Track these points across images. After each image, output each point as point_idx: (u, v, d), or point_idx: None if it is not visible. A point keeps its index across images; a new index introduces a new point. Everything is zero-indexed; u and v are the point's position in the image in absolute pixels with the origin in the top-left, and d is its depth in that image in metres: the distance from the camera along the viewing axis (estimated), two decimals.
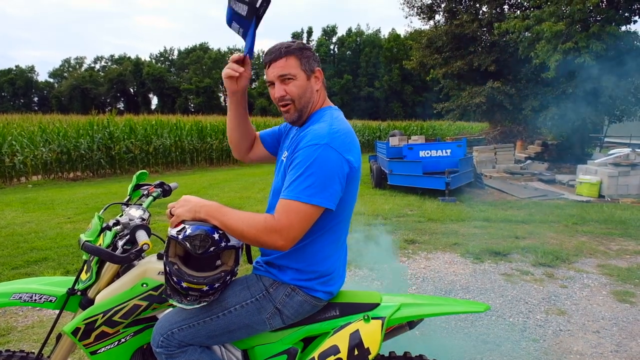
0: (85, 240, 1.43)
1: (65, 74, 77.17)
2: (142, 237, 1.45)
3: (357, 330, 1.53)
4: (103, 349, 1.56)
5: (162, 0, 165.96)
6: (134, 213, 1.68)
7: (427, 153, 9.91)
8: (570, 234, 6.05)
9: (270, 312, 1.52)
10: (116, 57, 79.38)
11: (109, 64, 78.86)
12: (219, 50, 75.58)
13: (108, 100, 71.78)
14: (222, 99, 68.18)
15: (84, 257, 1.69)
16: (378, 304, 1.61)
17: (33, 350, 1.74)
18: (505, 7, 15.84)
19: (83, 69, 78.32)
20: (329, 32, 71.31)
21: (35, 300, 1.69)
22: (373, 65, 66.28)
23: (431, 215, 7.24)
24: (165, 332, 1.48)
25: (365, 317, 1.56)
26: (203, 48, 76.16)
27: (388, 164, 10.06)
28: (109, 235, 1.58)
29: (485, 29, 15.32)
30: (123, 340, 1.59)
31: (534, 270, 4.59)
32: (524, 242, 5.63)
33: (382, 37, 70.49)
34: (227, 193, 9.68)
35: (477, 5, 15.98)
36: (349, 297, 1.66)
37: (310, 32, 70.41)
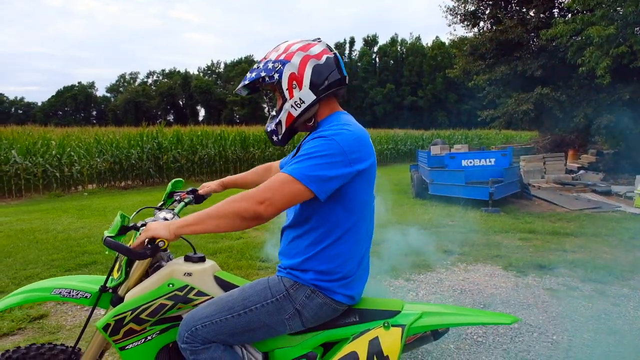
0: (107, 236, 1.50)
1: (121, 89, 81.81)
2: (158, 233, 1.49)
3: (377, 338, 1.51)
4: (131, 345, 1.62)
5: (209, 18, 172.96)
6: (162, 216, 1.76)
7: (470, 162, 9.63)
8: (626, 248, 5.66)
9: (290, 313, 1.52)
10: (167, 71, 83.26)
11: (160, 78, 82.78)
12: None
13: (159, 113, 75.22)
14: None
15: (113, 256, 1.77)
16: (399, 312, 1.58)
17: (72, 345, 1.84)
18: (555, 10, 15.22)
19: (136, 83, 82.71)
20: (370, 41, 71.33)
21: (73, 295, 1.79)
22: (417, 74, 65.56)
23: (473, 226, 7.01)
24: (190, 328, 1.52)
25: (385, 325, 1.53)
26: (248, 61, 78.34)
27: (429, 173, 9.87)
28: (136, 235, 1.66)
29: (533, 33, 14.77)
30: (149, 337, 1.64)
31: (582, 286, 4.32)
32: (573, 256, 5.32)
33: (425, 45, 69.66)
34: None
35: (524, 10, 15.45)
36: (370, 304, 1.64)
37: (352, 43, 70.77)
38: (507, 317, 1.56)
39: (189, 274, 1.66)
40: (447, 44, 50.99)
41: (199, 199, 2.23)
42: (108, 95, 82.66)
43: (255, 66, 1.64)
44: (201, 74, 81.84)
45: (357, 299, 1.63)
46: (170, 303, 1.62)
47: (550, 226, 6.94)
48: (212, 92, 74.49)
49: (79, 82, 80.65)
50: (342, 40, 71.81)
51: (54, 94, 77.00)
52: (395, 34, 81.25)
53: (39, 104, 76.78)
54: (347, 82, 1.63)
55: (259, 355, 1.63)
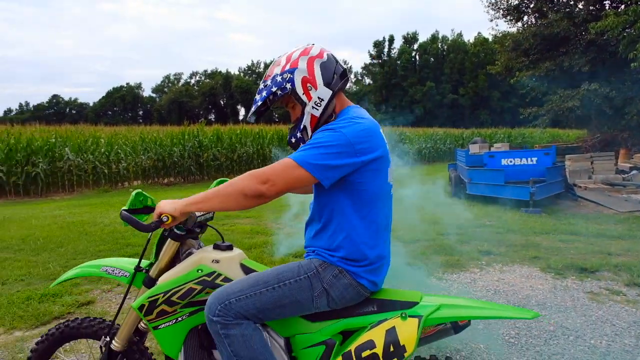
0: (123, 209, 1.63)
1: (165, 89, 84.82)
2: (164, 208, 1.56)
3: (394, 327, 1.54)
4: (163, 325, 1.73)
5: (252, 18, 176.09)
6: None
7: (510, 161, 9.35)
8: None
9: (318, 290, 1.59)
10: (209, 72, 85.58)
11: (203, 78, 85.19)
12: None
13: (201, 112, 77.46)
14: None
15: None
16: (417, 303, 1.60)
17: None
18: (606, 2, 14.46)
19: (180, 84, 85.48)
20: (410, 39, 70.26)
21: (115, 274, 1.96)
22: (458, 72, 64.01)
23: (511, 226, 6.82)
24: (223, 301, 1.57)
25: (403, 315, 1.56)
26: None
27: (467, 172, 9.66)
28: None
29: (581, 27, 14.10)
30: (180, 319, 1.74)
31: (626, 291, 4.13)
32: (618, 259, 5.08)
33: (467, 41, 67.85)
34: (301, 196, 9.95)
35: (572, 2, 14.78)
36: (389, 294, 1.67)
37: (391, 41, 69.97)
38: (527, 312, 1.55)
39: (217, 261, 1.76)
40: (490, 40, 49.55)
41: None
42: (153, 95, 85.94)
43: (261, 86, 1.68)
44: (241, 74, 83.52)
45: (379, 286, 1.67)
46: (198, 287, 1.71)
47: (595, 228, 6.64)
48: (252, 91, 75.80)
49: (127, 83, 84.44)
50: (380, 39, 71.25)
51: (104, 94, 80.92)
52: (436, 31, 79.49)
53: (91, 104, 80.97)
54: (347, 73, 1.71)
55: (281, 340, 1.70)
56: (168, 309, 1.72)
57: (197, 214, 1.81)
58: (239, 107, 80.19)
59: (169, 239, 1.81)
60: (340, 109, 1.69)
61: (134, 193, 1.80)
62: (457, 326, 1.65)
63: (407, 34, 70.43)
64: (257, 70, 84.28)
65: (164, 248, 1.83)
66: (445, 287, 4.25)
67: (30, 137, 13.51)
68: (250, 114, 1.73)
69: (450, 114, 58.93)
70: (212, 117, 76.77)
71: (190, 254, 1.84)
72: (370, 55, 69.02)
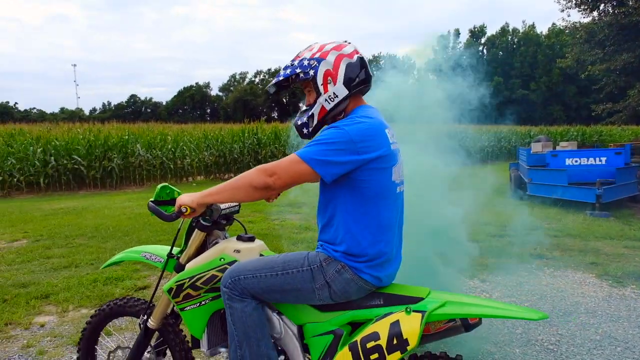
0: (150, 200, 1.82)
1: (231, 88, 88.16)
2: (184, 200, 1.71)
3: (398, 321, 1.57)
4: (188, 308, 1.90)
5: (314, 17, 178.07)
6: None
7: (575, 161, 8.76)
8: None
9: (320, 283, 1.66)
10: (272, 70, 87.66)
11: (267, 77, 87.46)
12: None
13: (264, 110, 79.62)
14: None
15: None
16: (422, 299, 1.62)
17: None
18: None
19: (245, 82, 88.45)
20: (477, 32, 67.37)
21: (152, 259, 2.17)
22: (529, 66, 60.41)
23: (571, 230, 6.43)
24: (235, 275, 1.72)
25: (407, 310, 1.59)
26: None
27: (528, 172, 9.20)
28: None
29: None
30: (203, 302, 1.90)
31: None
32: None
33: (540, 33, 63.82)
34: None
35: None
36: (396, 289, 1.72)
37: (457, 34, 67.51)
38: (535, 312, 1.52)
39: (238, 251, 1.90)
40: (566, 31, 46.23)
41: None
42: (220, 94, 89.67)
43: (288, 64, 1.78)
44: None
45: (384, 281, 1.71)
46: (220, 275, 1.85)
47: None
48: None
49: (196, 83, 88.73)
50: (445, 32, 69.00)
51: (175, 93, 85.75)
52: (506, 23, 75.54)
53: (164, 103, 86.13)
54: (371, 81, 1.77)
55: (294, 328, 1.80)
56: (193, 293, 1.89)
57: (222, 206, 1.96)
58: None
59: (196, 230, 1.98)
60: (352, 109, 1.76)
61: (159, 186, 1.99)
62: (467, 324, 1.62)
63: (474, 27, 67.65)
64: None
65: (192, 237, 2.01)
66: (486, 289, 4.14)
67: (107, 134, 14.75)
68: (270, 84, 1.84)
69: (519, 110, 55.80)
70: (274, 114, 78.68)
71: (216, 244, 2.00)
72: (435, 50, 67.12)
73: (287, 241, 6.09)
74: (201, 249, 2.02)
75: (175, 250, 2.10)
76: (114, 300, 2.28)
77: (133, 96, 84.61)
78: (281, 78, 1.78)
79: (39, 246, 6.10)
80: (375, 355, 1.58)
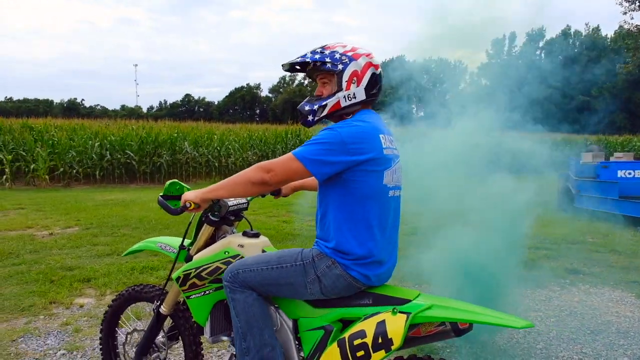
0: (159, 195, 1.97)
1: (281, 90, 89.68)
2: (188, 196, 1.81)
3: (384, 321, 1.62)
4: (194, 296, 2.03)
5: (366, 20, 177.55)
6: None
7: (628, 173, 8.23)
8: None
9: (311, 277, 1.75)
10: None
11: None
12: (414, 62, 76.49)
13: None
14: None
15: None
16: (409, 301, 1.66)
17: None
18: None
19: (294, 84, 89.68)
20: (535, 35, 64.50)
21: (167, 249, 2.33)
22: (591, 70, 57.12)
23: (617, 246, 6.07)
24: (234, 270, 1.84)
25: (394, 310, 1.63)
26: (399, 60, 78.22)
27: (576, 183, 8.76)
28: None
29: None
30: (207, 292, 2.03)
31: None
32: None
33: (605, 36, 60.14)
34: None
35: None
36: (386, 290, 1.76)
37: (512, 38, 65.02)
38: (520, 320, 1.51)
39: (242, 245, 2.01)
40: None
41: (277, 193, 2.49)
42: (270, 95, 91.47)
43: (318, 50, 1.83)
44: None
45: (374, 280, 1.75)
46: (224, 267, 1.96)
47: None
48: None
49: (247, 84, 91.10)
50: (500, 37, 66.54)
51: (227, 94, 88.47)
52: (567, 26, 71.84)
53: (216, 102, 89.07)
54: (379, 94, 1.87)
55: (290, 322, 1.89)
56: (198, 283, 2.01)
57: (230, 203, 2.07)
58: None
59: (205, 224, 2.11)
60: (357, 112, 1.83)
61: (169, 182, 2.14)
62: (457, 329, 1.63)
63: (532, 30, 64.82)
64: None
65: (201, 231, 2.14)
66: (510, 302, 4.01)
67: (158, 131, 15.52)
68: (290, 61, 1.87)
69: (578, 118, 52.84)
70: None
71: (223, 238, 2.12)
72: (488, 54, 65.07)
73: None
74: (210, 242, 2.14)
75: (187, 242, 2.23)
76: (132, 286, 2.46)
77: (187, 95, 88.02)
78: (307, 59, 1.81)
79: (87, 234, 6.57)
80: (362, 353, 1.62)
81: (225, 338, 2.10)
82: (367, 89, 1.78)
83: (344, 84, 1.76)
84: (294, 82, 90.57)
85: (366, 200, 1.70)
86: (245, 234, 2.09)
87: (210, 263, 2.00)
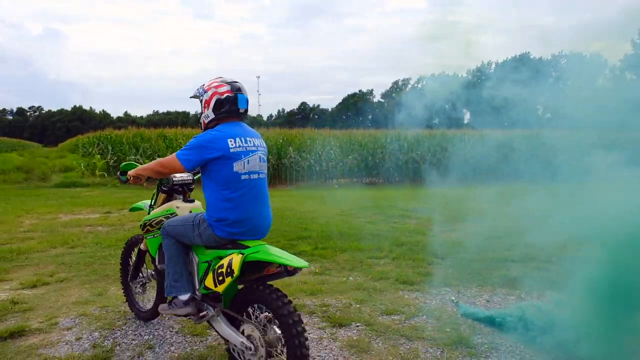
0: (118, 171, 3.06)
1: (393, 95, 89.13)
2: (130, 172, 2.84)
3: (232, 259, 2.47)
4: (149, 237, 3.18)
5: (487, 16, 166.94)
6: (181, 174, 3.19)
7: None
8: None
9: (197, 232, 2.71)
10: (436, 75, 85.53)
11: (430, 82, 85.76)
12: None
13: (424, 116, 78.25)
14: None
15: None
16: (249, 247, 2.53)
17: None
18: None
19: (407, 89, 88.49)
20: None
21: (146, 207, 3.48)
22: None
23: None
24: (165, 225, 2.88)
25: (238, 253, 2.48)
26: (524, 58, 72.17)
27: None
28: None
29: None
30: (155, 235, 3.10)
31: None
32: None
33: None
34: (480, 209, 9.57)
35: None
36: (244, 242, 2.62)
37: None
38: (300, 261, 2.41)
39: (178, 207, 3.07)
40: None
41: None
42: (382, 100, 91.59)
43: (199, 86, 2.80)
44: (470, 76, 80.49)
45: (235, 235, 2.62)
46: (165, 220, 2.99)
47: None
48: (477, 95, 72.30)
49: (359, 90, 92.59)
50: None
51: (340, 101, 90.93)
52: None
53: (329, 109, 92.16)
54: (242, 112, 2.71)
55: (196, 258, 2.84)
56: (151, 229, 3.14)
57: (175, 178, 3.13)
58: (464, 110, 77.60)
59: (159, 192, 3.24)
60: (218, 124, 2.69)
61: (124, 163, 3.17)
62: (287, 270, 2.52)
63: None
64: (487, 72, 79.75)
65: (157, 196, 3.30)
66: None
67: (266, 139, 16.90)
68: (190, 96, 2.84)
69: None
70: (436, 120, 76.58)
71: (171, 200, 3.21)
72: (634, 44, 56.45)
73: (392, 242, 6.36)
74: (163, 204, 3.20)
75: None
76: (133, 236, 3.78)
77: (303, 103, 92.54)
78: (192, 94, 2.84)
79: None
80: (221, 278, 2.50)
81: (160, 266, 3.13)
82: (214, 110, 2.67)
83: (203, 109, 2.73)
84: (407, 86, 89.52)
85: (223, 182, 2.58)
86: (185, 200, 3.15)
87: (158, 217, 3.09)
